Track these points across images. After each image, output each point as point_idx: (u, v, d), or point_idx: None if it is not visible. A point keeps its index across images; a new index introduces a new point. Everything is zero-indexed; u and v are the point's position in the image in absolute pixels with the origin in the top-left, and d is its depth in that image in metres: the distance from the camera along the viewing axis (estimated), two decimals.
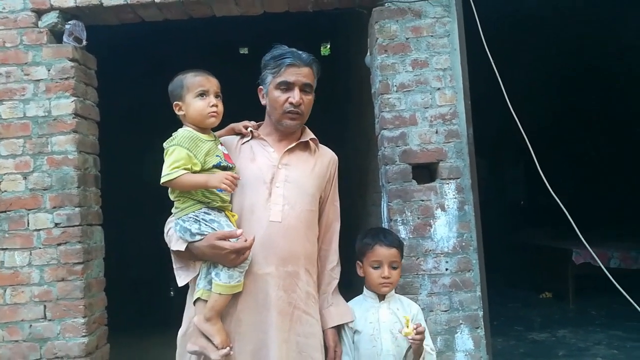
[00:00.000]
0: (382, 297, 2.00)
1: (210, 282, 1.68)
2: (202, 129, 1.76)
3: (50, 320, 2.68)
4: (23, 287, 2.69)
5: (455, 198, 2.75)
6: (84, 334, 2.68)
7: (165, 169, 1.65)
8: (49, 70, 2.77)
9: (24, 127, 2.75)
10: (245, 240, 1.64)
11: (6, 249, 2.71)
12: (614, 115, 7.87)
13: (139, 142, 6.78)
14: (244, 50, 8.27)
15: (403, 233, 2.71)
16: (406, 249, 2.67)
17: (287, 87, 1.81)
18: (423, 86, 2.79)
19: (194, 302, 1.72)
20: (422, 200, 2.75)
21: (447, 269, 2.72)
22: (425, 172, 2.82)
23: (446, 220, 2.74)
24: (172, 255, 1.77)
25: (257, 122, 1.98)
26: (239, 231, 1.66)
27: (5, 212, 2.72)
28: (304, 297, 1.78)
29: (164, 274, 4.27)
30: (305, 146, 1.92)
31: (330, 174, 1.96)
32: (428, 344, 1.95)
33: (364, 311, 1.97)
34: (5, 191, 2.73)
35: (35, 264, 2.70)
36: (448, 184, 2.76)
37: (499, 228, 6.65)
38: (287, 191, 1.80)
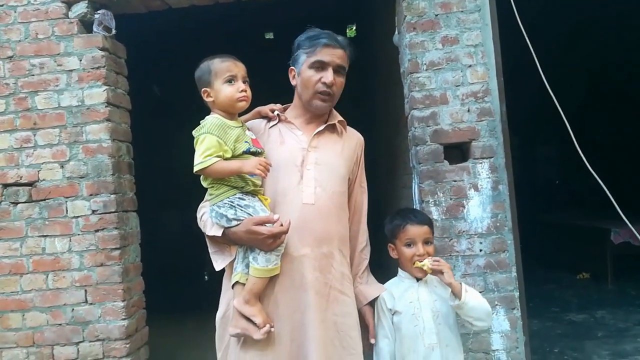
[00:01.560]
0: None
1: (247, 266, 1.69)
2: (230, 115, 1.75)
3: (91, 304, 2.77)
4: (64, 272, 2.79)
5: (488, 178, 2.70)
6: (123, 317, 2.76)
7: (198, 158, 1.65)
8: (80, 60, 2.82)
9: (59, 117, 2.82)
10: (282, 225, 1.64)
11: (47, 235, 2.80)
12: None
13: (166, 128, 6.91)
14: (269, 36, 8.27)
15: (435, 214, 2.68)
16: (439, 230, 2.65)
17: (321, 66, 1.79)
18: (454, 64, 2.72)
19: (232, 286, 1.74)
20: (455, 181, 2.70)
21: (481, 250, 2.68)
22: (457, 152, 2.77)
23: (480, 201, 2.69)
24: (206, 240, 1.79)
25: (282, 104, 1.96)
26: (275, 216, 1.66)
27: (44, 200, 2.81)
28: (339, 277, 1.79)
29: (198, 259, 4.34)
30: (333, 128, 1.90)
31: (357, 155, 1.95)
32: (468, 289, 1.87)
33: (403, 291, 1.95)
34: (44, 180, 2.81)
35: (75, 250, 2.78)
36: (481, 163, 2.70)
37: (532, 207, 6.50)
38: (318, 173, 1.80)
